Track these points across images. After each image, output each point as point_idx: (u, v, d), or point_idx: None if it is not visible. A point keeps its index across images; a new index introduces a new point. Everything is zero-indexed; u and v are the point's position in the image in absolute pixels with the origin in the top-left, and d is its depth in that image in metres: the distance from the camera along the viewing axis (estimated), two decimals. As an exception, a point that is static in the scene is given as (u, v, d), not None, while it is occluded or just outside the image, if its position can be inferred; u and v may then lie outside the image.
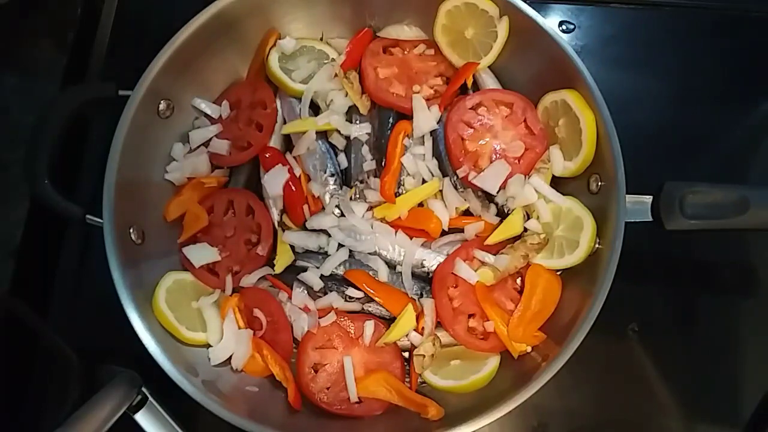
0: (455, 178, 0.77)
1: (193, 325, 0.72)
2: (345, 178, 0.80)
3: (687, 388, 0.78)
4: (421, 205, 0.77)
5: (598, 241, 0.69)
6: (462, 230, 0.77)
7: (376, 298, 0.73)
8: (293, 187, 0.77)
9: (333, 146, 0.80)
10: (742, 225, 0.66)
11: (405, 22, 0.82)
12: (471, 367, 0.70)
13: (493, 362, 0.70)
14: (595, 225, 0.69)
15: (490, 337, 0.72)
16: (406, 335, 0.72)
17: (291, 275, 0.76)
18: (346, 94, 0.80)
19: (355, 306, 0.75)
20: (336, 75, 0.80)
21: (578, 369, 0.67)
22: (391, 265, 0.76)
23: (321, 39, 0.84)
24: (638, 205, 0.68)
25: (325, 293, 0.75)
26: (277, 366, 0.71)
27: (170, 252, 0.76)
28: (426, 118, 0.77)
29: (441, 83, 0.82)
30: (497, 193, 0.75)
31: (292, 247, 0.77)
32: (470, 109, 0.77)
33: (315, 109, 0.82)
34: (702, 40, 0.93)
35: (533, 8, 0.74)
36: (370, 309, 0.75)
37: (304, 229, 0.78)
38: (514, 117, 0.77)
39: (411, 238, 0.76)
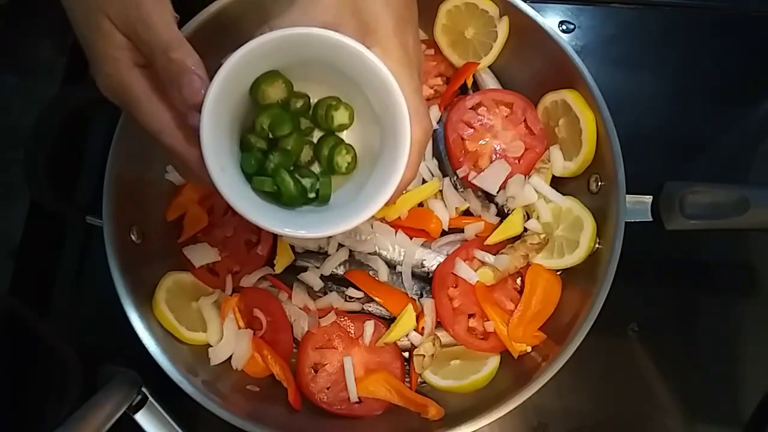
0: (455, 178, 0.77)
1: (193, 325, 0.72)
2: (345, 178, 0.80)
3: (687, 388, 0.78)
4: (421, 205, 0.77)
5: (598, 241, 0.69)
6: (462, 230, 0.77)
7: (376, 298, 0.73)
8: (293, 187, 0.77)
9: (333, 146, 0.80)
10: (742, 225, 0.66)
11: (405, 22, 0.82)
12: (471, 367, 0.70)
13: (493, 362, 0.70)
14: (595, 225, 0.69)
15: (490, 337, 0.72)
16: (406, 335, 0.72)
17: (291, 275, 0.76)
18: (346, 94, 0.80)
19: (355, 306, 0.75)
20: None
21: (578, 369, 0.67)
22: (391, 265, 0.76)
23: (321, 39, 0.84)
24: (638, 205, 0.68)
25: (325, 293, 0.75)
26: (277, 366, 0.71)
27: (170, 252, 0.76)
28: (426, 118, 0.77)
29: (441, 83, 0.82)
30: (497, 193, 0.75)
31: (292, 247, 0.77)
32: (470, 109, 0.77)
33: (315, 109, 0.82)
34: (702, 40, 0.93)
35: (533, 8, 0.74)
36: (370, 309, 0.75)
37: (304, 229, 0.78)
38: (514, 117, 0.77)
39: (411, 238, 0.76)
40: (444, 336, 0.73)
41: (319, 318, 0.73)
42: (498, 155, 0.76)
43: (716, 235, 0.80)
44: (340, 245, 0.76)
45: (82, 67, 0.93)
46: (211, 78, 0.47)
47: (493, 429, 0.76)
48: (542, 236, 0.72)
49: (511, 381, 0.67)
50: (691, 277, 0.84)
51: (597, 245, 0.69)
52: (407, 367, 0.73)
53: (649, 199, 0.69)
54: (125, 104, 0.50)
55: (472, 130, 0.77)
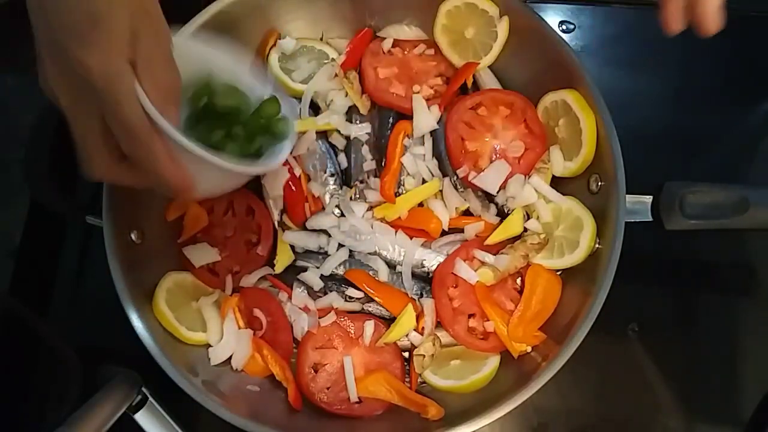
0: (455, 178, 0.77)
1: (193, 325, 0.72)
2: (345, 178, 0.80)
3: (687, 388, 0.78)
4: (421, 205, 0.77)
5: (598, 241, 0.69)
6: (462, 230, 0.77)
7: (376, 298, 0.73)
8: (293, 187, 0.77)
9: (333, 146, 0.80)
10: (742, 225, 0.66)
11: (405, 22, 0.82)
12: (471, 367, 0.70)
13: (493, 362, 0.70)
14: (595, 225, 0.69)
15: (490, 337, 0.72)
16: (406, 335, 0.72)
17: (291, 275, 0.76)
18: (346, 94, 0.80)
19: (355, 306, 0.75)
20: (336, 75, 0.80)
21: (578, 369, 0.67)
22: (391, 265, 0.76)
23: (321, 39, 0.84)
24: (638, 205, 0.68)
25: (325, 293, 0.75)
26: (277, 366, 0.71)
27: (170, 252, 0.76)
28: (426, 118, 0.77)
29: (441, 83, 0.82)
30: (497, 193, 0.75)
31: (292, 247, 0.77)
32: (470, 109, 0.77)
33: (315, 109, 0.82)
34: (702, 40, 0.93)
35: (533, 8, 0.74)
36: (370, 309, 0.75)
37: (304, 229, 0.78)
38: (514, 117, 0.77)
39: (411, 238, 0.76)
40: (444, 336, 0.73)
41: (319, 318, 0.73)
42: (498, 155, 0.76)
43: (716, 235, 0.80)
44: (340, 245, 0.76)
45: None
46: None
47: (494, 429, 0.76)
48: (542, 236, 0.72)
49: (511, 381, 0.67)
50: (691, 277, 0.84)
51: (597, 245, 0.69)
52: (407, 367, 0.73)
53: (649, 199, 0.69)
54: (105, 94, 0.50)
55: (472, 130, 0.77)
